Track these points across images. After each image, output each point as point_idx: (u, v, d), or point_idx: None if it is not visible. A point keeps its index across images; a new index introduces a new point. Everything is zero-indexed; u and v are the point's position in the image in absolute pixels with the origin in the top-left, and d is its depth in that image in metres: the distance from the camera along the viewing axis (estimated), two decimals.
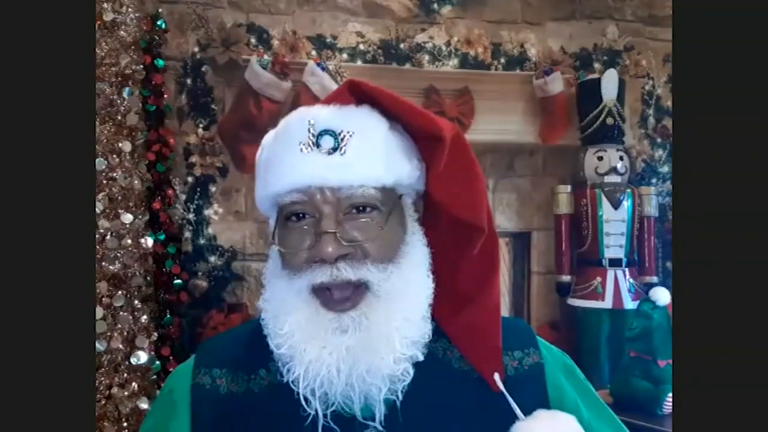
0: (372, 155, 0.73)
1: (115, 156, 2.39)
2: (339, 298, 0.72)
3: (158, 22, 2.71)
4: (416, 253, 0.77)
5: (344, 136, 0.72)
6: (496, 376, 0.77)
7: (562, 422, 0.74)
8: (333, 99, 0.77)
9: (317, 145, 0.72)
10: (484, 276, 0.81)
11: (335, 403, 0.72)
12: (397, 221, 0.76)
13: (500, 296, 0.83)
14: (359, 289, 0.73)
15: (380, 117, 0.76)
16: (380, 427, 0.73)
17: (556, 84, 3.16)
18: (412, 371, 0.73)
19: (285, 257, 0.75)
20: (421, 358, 0.75)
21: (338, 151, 0.72)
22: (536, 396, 0.79)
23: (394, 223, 0.75)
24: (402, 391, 0.73)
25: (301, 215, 0.73)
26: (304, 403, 0.71)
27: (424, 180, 0.80)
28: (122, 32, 2.45)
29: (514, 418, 0.75)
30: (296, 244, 0.73)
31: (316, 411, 0.71)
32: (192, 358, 0.83)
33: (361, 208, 0.73)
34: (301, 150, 0.72)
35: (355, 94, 0.77)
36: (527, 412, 0.76)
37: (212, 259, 2.94)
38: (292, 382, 0.72)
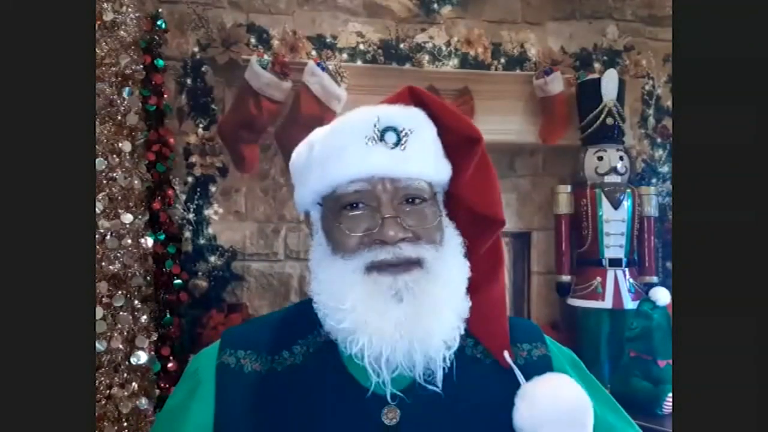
0: (426, 152, 0.83)
1: (115, 156, 2.39)
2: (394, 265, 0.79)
3: (158, 22, 2.71)
4: (453, 240, 0.85)
5: (405, 133, 0.81)
6: (506, 353, 0.84)
7: (564, 381, 0.81)
8: (395, 100, 0.86)
9: (382, 139, 0.80)
10: (492, 267, 0.89)
11: (397, 367, 0.77)
12: (438, 213, 0.85)
13: (505, 287, 0.91)
14: (413, 265, 0.79)
15: (429, 120, 0.86)
16: (437, 390, 0.79)
17: (556, 84, 3.16)
18: (458, 341, 0.80)
19: (340, 241, 0.81)
20: (462, 331, 0.82)
21: (399, 145, 0.80)
22: None
23: (437, 215, 0.84)
24: (450, 358, 0.80)
25: (356, 204, 0.81)
26: (369, 370, 0.77)
27: (448, 180, 0.88)
28: (122, 32, 2.45)
29: None
30: (354, 228, 0.80)
31: (379, 376, 0.77)
32: (217, 342, 0.88)
33: (411, 199, 0.81)
34: (367, 143, 0.80)
35: (413, 97, 0.87)
36: None
37: (212, 259, 2.94)
38: (356, 355, 0.77)
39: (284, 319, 0.87)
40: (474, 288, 0.86)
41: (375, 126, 0.80)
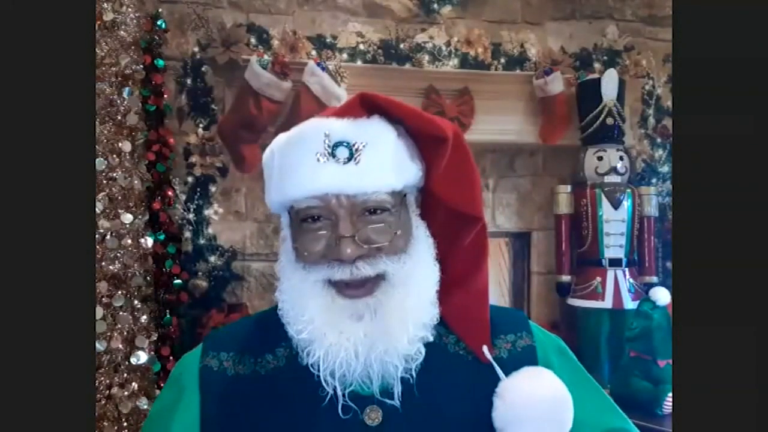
0: (383, 164, 0.79)
1: (115, 156, 2.39)
2: (353, 289, 0.78)
3: (158, 22, 2.71)
4: (423, 244, 0.84)
5: (358, 146, 0.78)
6: (485, 348, 0.84)
7: (542, 376, 0.81)
8: (345, 111, 0.83)
9: (333, 155, 0.77)
10: (475, 261, 0.88)
11: (353, 383, 0.78)
12: (405, 219, 0.83)
13: (488, 279, 0.90)
14: (375, 280, 0.79)
15: (389, 126, 0.82)
16: (393, 404, 0.78)
17: (556, 84, 3.16)
18: (423, 351, 0.80)
19: (300, 255, 0.80)
20: (430, 338, 0.81)
21: (353, 160, 0.77)
22: None
23: (404, 222, 0.82)
24: (415, 370, 0.79)
25: (316, 217, 0.79)
26: (323, 383, 0.77)
27: (423, 177, 0.85)
28: (122, 32, 2.45)
29: None
30: (312, 246, 0.79)
31: (335, 390, 0.77)
32: (199, 346, 0.89)
33: (372, 210, 0.79)
34: (318, 160, 0.77)
35: (365, 105, 0.83)
36: None
37: (212, 259, 2.94)
38: (312, 365, 0.78)
39: (267, 321, 0.86)
40: (455, 281, 0.86)
41: (325, 141, 0.78)
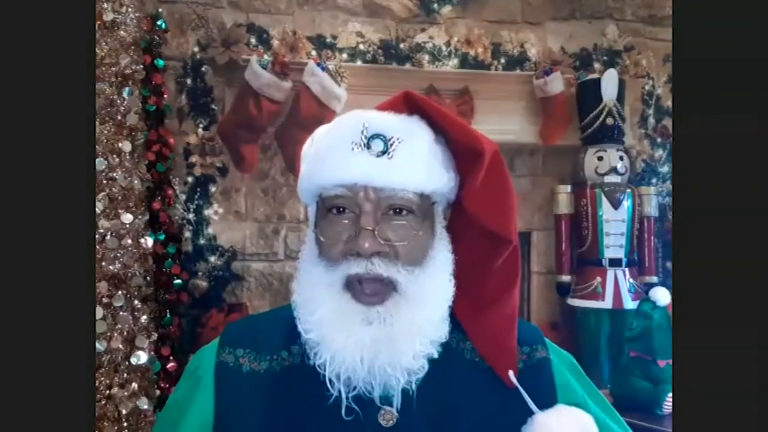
0: (417, 162, 0.79)
1: (115, 156, 2.39)
2: (370, 292, 0.77)
3: (158, 22, 2.71)
4: (441, 258, 0.82)
5: (393, 141, 0.78)
6: (511, 374, 0.82)
7: (580, 419, 0.79)
8: (388, 107, 0.83)
9: (368, 146, 0.77)
10: (506, 285, 0.87)
11: (357, 387, 0.77)
12: (429, 226, 0.82)
13: (518, 303, 0.89)
14: (388, 288, 0.78)
15: (427, 128, 0.82)
16: (396, 412, 0.78)
17: (556, 84, 3.16)
18: (427, 366, 0.79)
19: (323, 247, 0.80)
20: (436, 355, 0.80)
21: (386, 154, 0.77)
22: (544, 387, 0.85)
23: (426, 229, 0.81)
24: (416, 383, 0.79)
25: (341, 209, 0.79)
26: (328, 384, 0.77)
27: (456, 191, 0.85)
28: (122, 32, 2.45)
29: (524, 406, 0.81)
30: (335, 236, 0.78)
31: (340, 392, 0.77)
32: (217, 339, 0.88)
33: (398, 210, 0.78)
34: (353, 149, 0.77)
35: (408, 104, 0.84)
36: (537, 402, 0.81)
37: (212, 259, 2.94)
38: (319, 365, 0.77)
39: (284, 318, 0.86)
40: (485, 303, 0.86)
41: (362, 132, 0.78)
